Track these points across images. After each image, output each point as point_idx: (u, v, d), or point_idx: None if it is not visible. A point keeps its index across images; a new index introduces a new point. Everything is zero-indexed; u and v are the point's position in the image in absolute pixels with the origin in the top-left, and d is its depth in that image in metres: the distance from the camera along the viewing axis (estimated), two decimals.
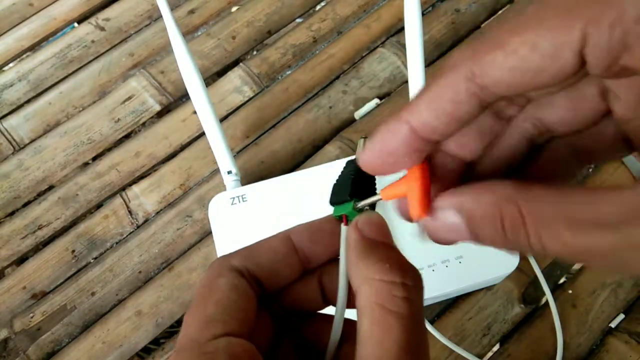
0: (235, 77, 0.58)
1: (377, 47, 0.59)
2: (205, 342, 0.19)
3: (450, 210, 0.18)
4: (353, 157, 0.23)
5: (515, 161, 0.21)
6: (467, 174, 0.21)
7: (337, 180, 0.23)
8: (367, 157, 0.20)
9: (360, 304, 0.19)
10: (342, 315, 0.21)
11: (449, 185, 0.19)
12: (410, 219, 0.20)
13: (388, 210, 0.22)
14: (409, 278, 0.19)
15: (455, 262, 0.42)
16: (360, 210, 0.22)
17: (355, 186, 0.22)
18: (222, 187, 0.50)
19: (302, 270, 0.23)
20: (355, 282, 0.20)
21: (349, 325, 0.22)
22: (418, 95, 0.18)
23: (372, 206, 0.22)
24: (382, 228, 0.21)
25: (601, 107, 0.19)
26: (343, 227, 0.22)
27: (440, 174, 0.21)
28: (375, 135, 0.19)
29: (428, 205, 0.19)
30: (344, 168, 0.23)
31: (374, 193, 0.22)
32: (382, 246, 0.21)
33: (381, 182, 0.23)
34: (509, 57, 0.16)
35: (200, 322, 0.20)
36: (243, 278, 0.21)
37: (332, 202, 0.22)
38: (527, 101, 0.20)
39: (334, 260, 0.23)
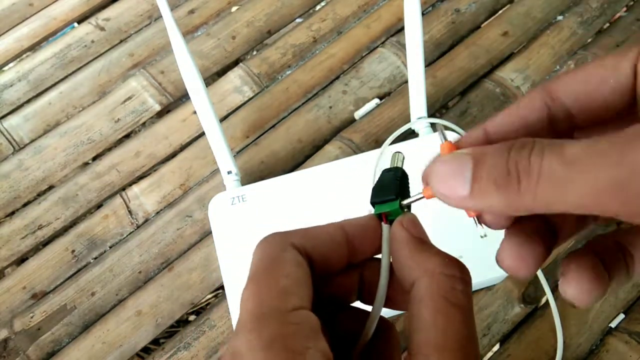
0: (235, 77, 0.58)
1: (377, 47, 0.59)
2: (287, 312, 0.19)
3: (463, 152, 0.19)
4: (373, 163, 0.27)
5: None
6: None
7: (377, 184, 0.24)
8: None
9: (419, 295, 0.20)
10: (380, 308, 0.22)
11: None
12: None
13: None
14: (466, 274, 0.20)
15: None
16: (402, 209, 0.23)
17: (400, 188, 0.24)
18: (222, 187, 0.50)
19: (347, 263, 0.23)
20: (410, 274, 0.21)
21: (380, 322, 0.22)
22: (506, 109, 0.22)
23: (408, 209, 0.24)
24: (422, 228, 0.23)
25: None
26: (384, 226, 0.23)
27: None
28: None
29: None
30: (383, 174, 0.25)
31: (408, 195, 0.24)
32: (430, 244, 0.22)
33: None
34: (580, 72, 0.20)
35: (278, 293, 0.19)
36: (303, 257, 0.21)
37: (375, 201, 0.24)
38: None
39: (375, 258, 0.24)
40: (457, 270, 0.20)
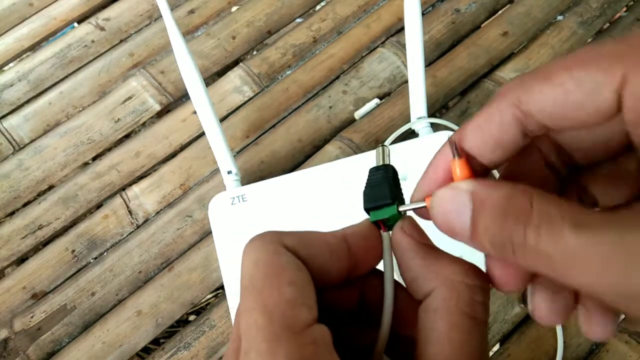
0: (235, 77, 0.58)
1: (377, 47, 0.59)
2: (300, 331, 0.18)
3: (464, 189, 0.18)
4: (373, 163, 0.23)
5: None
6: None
7: (367, 187, 0.22)
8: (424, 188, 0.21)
9: (435, 305, 0.19)
10: (388, 328, 0.20)
11: None
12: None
13: None
14: (486, 283, 0.19)
15: None
16: (400, 214, 0.21)
17: (395, 189, 0.21)
18: (222, 187, 0.50)
19: (346, 277, 0.21)
20: (425, 285, 0.19)
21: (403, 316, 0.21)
22: (466, 122, 0.19)
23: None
24: (424, 232, 0.21)
25: (626, 141, 0.19)
26: (385, 234, 0.21)
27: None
28: (427, 168, 0.20)
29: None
30: (371, 175, 0.22)
31: (402, 197, 0.22)
32: (440, 250, 0.20)
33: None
34: (555, 88, 0.17)
35: (286, 305, 0.18)
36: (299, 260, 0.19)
37: (370, 207, 0.21)
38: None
39: (376, 272, 0.22)
40: (478, 279, 0.19)
